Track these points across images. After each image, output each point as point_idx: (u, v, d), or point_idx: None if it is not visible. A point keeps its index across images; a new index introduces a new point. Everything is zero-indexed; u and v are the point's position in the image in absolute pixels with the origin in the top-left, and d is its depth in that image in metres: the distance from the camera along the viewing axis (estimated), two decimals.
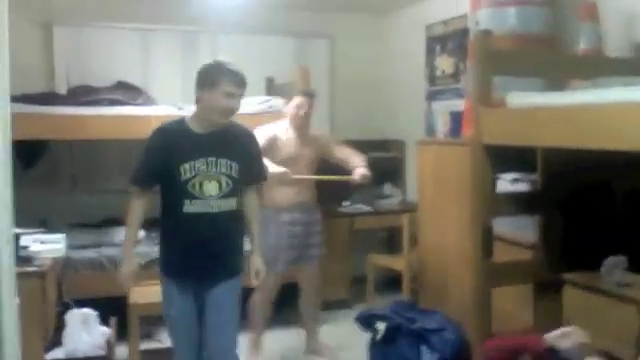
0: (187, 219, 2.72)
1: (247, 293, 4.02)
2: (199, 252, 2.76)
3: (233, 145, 2.79)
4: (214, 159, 2.72)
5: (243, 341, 3.97)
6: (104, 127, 4.27)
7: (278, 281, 3.97)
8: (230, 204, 2.77)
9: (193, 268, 2.78)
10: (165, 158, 2.71)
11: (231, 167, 2.75)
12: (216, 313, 2.81)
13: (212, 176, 2.71)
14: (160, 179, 2.77)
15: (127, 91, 4.72)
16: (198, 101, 2.78)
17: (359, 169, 3.96)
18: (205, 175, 2.70)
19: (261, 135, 3.75)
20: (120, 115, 4.35)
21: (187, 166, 2.69)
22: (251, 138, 2.97)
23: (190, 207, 2.70)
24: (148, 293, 3.77)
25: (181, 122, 2.82)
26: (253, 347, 4.04)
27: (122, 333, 3.78)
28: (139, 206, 2.85)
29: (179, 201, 2.71)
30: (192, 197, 2.69)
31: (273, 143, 3.86)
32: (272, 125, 4.00)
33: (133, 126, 4.28)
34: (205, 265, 2.78)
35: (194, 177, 2.69)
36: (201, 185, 2.69)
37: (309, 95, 4.03)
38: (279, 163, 3.80)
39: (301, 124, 3.97)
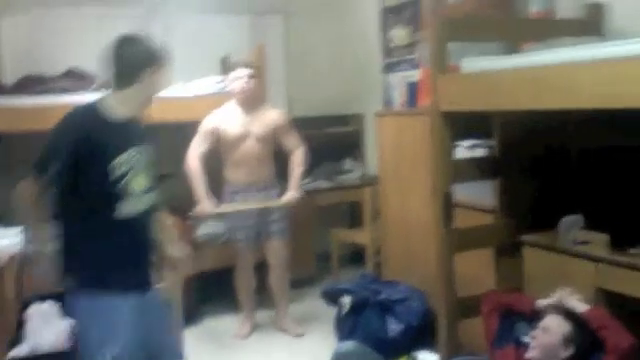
0: (122, 222, 2.28)
1: (230, 274, 4.19)
2: (139, 256, 2.41)
3: (142, 132, 2.44)
4: (139, 148, 2.34)
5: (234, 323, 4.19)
6: (55, 117, 4.14)
7: (249, 256, 4.06)
8: (152, 198, 2.41)
9: (137, 276, 2.39)
10: (87, 152, 2.20)
11: (149, 155, 2.41)
12: (159, 316, 2.50)
13: (140, 169, 2.33)
14: (74, 178, 2.22)
15: (78, 79, 4.60)
16: (132, 82, 2.32)
17: (290, 193, 4.01)
18: (136, 168, 2.31)
19: (200, 130, 3.95)
20: (72, 104, 4.18)
21: (120, 160, 2.25)
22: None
23: (125, 208, 2.28)
24: None
25: (95, 107, 2.31)
26: (243, 325, 4.16)
27: None
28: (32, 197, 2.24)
29: (110, 202, 2.25)
30: (125, 196, 2.27)
31: (215, 132, 3.93)
32: (218, 111, 4.01)
33: None
34: (145, 270, 2.43)
35: (128, 172, 2.27)
36: (132, 180, 2.29)
37: (245, 65, 3.97)
38: (228, 145, 3.92)
39: (245, 98, 3.93)
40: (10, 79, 4.68)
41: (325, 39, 5.73)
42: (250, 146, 3.93)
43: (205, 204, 3.95)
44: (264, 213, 4.01)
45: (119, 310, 2.26)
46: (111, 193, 2.24)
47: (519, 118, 2.96)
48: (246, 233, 4.02)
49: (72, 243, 2.28)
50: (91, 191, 2.24)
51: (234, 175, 3.99)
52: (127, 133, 2.31)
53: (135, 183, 2.29)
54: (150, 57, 2.36)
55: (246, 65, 3.98)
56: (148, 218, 2.40)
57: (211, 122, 3.97)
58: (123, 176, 2.25)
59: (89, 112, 2.30)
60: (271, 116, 4.02)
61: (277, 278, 4.17)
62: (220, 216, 4.14)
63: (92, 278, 2.26)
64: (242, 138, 3.92)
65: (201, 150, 3.96)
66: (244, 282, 4.14)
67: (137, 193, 2.31)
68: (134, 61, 2.32)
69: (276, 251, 4.11)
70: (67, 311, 2.80)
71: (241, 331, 4.16)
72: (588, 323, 2.34)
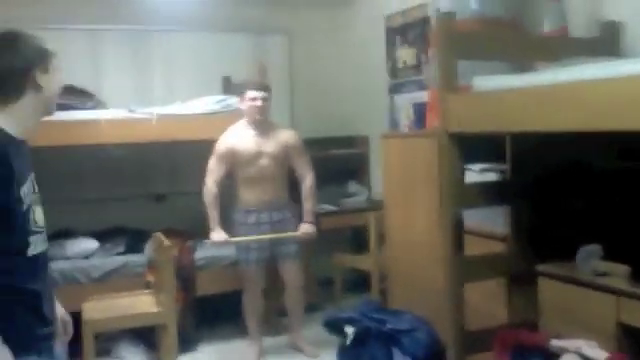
0: (35, 264, 1.79)
1: (238, 299, 4.14)
2: (49, 306, 1.88)
3: (30, 156, 1.86)
4: (32, 175, 1.83)
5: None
6: (53, 134, 4.00)
7: (258, 280, 4.04)
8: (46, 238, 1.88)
9: (50, 331, 1.88)
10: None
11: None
12: None
13: (38, 199, 1.83)
14: None
15: (76, 95, 4.49)
16: (27, 90, 1.80)
17: (304, 226, 4.03)
18: (35, 200, 1.81)
19: (216, 152, 3.96)
20: (69, 120, 4.10)
21: (25, 188, 1.74)
22: None
23: (36, 246, 1.78)
24: (102, 308, 3.57)
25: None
26: (250, 351, 4.10)
27: (76, 352, 3.54)
28: None
29: (23, 240, 1.75)
30: (34, 232, 1.78)
31: (230, 152, 3.93)
32: (230, 129, 3.99)
33: (83, 131, 4.13)
34: (50, 330, 1.88)
35: (32, 203, 1.78)
36: (34, 212, 1.79)
37: (261, 87, 3.95)
38: (242, 164, 3.91)
39: (258, 119, 3.91)
40: None
41: (330, 59, 5.64)
42: (264, 165, 3.94)
43: (218, 233, 3.97)
44: (277, 232, 4.00)
45: None
46: (23, 227, 1.75)
47: (533, 140, 2.82)
48: (258, 255, 3.98)
49: None
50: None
51: (247, 195, 3.98)
52: (25, 156, 1.81)
53: (38, 216, 1.81)
54: (38, 54, 1.83)
55: (261, 87, 3.96)
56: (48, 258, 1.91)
57: (226, 142, 3.96)
58: (29, 207, 1.76)
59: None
60: (284, 136, 4.02)
61: (293, 299, 4.16)
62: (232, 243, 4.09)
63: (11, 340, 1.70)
64: (256, 157, 3.92)
65: (219, 174, 3.98)
66: (252, 306, 4.08)
67: (42, 228, 1.83)
68: (12, 67, 1.79)
69: (291, 272, 4.09)
70: None
71: (248, 358, 4.06)
72: None
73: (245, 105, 3.93)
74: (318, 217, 4.87)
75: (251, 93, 3.90)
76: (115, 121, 4.19)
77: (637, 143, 2.30)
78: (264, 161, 3.92)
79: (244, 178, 3.96)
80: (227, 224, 4.06)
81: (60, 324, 2.02)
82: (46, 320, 1.84)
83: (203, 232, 4.59)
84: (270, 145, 3.94)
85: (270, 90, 4.01)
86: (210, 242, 4.01)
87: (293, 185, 4.12)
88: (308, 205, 4.07)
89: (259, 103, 3.88)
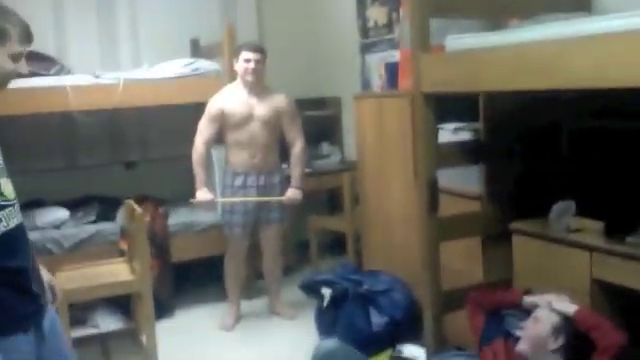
0: (10, 239, 1.72)
1: (214, 264, 4.14)
2: (36, 278, 1.85)
3: None
4: None
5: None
6: (16, 102, 3.89)
7: (243, 244, 4.03)
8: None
9: (37, 307, 1.84)
10: None
11: None
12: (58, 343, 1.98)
13: (3, 171, 1.76)
14: None
15: (39, 61, 4.35)
16: None
17: (291, 190, 4.00)
18: (1, 171, 1.75)
19: (207, 112, 3.91)
20: (33, 88, 3.97)
21: None
22: None
23: (8, 221, 1.72)
24: (76, 277, 3.52)
25: None
26: (228, 315, 4.08)
27: None
28: None
29: None
30: (2, 206, 1.71)
31: (221, 114, 3.87)
32: (223, 90, 3.96)
33: (48, 99, 4.01)
34: (33, 297, 1.82)
35: None
36: (0, 185, 1.72)
37: (256, 49, 3.89)
38: (232, 126, 3.87)
39: (250, 80, 3.86)
40: None
41: (299, 19, 5.54)
42: (254, 129, 3.89)
43: (204, 193, 3.94)
44: (264, 197, 3.98)
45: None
46: None
47: (506, 98, 2.82)
48: (243, 219, 3.95)
49: None
50: None
51: (236, 157, 3.94)
52: None
53: (5, 188, 1.74)
54: None
55: (255, 48, 3.89)
56: (26, 232, 1.85)
57: (216, 103, 3.91)
58: None
59: None
60: (277, 100, 3.97)
61: (271, 263, 4.16)
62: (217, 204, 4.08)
63: None
64: (247, 120, 3.87)
65: (209, 134, 3.92)
66: (234, 270, 4.07)
67: (11, 201, 1.76)
68: None
69: (269, 241, 4.09)
70: None
71: (226, 321, 4.06)
72: (578, 325, 2.25)
73: (238, 66, 3.86)
74: (289, 179, 4.87)
75: (245, 54, 3.83)
76: (81, 87, 4.08)
77: (610, 101, 2.31)
78: (255, 124, 3.87)
79: (234, 140, 3.92)
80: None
81: (48, 291, 1.97)
82: (33, 295, 1.80)
83: (176, 198, 4.56)
84: (262, 109, 3.88)
85: (265, 53, 3.93)
86: (195, 201, 3.96)
87: (283, 150, 4.09)
88: (297, 170, 4.03)
89: (252, 65, 3.81)
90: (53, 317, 1.95)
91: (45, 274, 1.98)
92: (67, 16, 4.81)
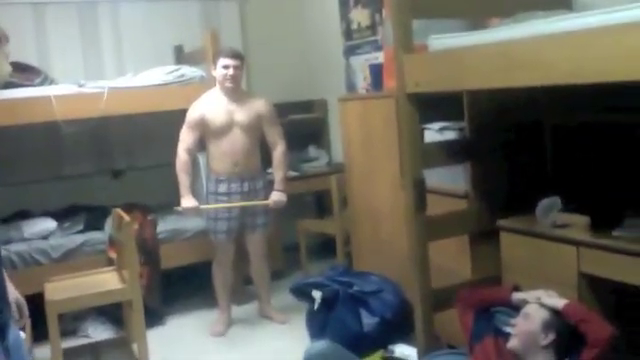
0: None
1: (204, 271, 4.15)
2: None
3: None
4: None
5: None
6: (1, 113, 3.88)
7: (228, 250, 4.04)
8: None
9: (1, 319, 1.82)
10: None
11: None
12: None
13: None
14: None
15: (22, 72, 4.33)
16: None
17: (275, 194, 3.99)
18: None
19: (187, 120, 3.90)
20: (17, 98, 3.95)
21: None
22: None
23: None
24: (65, 288, 3.50)
25: None
26: (219, 321, 4.09)
27: (43, 332, 3.48)
28: None
29: None
30: None
31: (201, 121, 3.87)
32: (202, 97, 3.95)
33: (33, 109, 3.97)
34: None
35: None
36: None
37: (234, 55, 3.88)
38: (213, 133, 3.86)
39: (229, 87, 3.85)
40: None
41: (282, 23, 5.56)
42: (236, 135, 3.88)
43: (189, 200, 3.92)
44: (249, 207, 3.98)
45: None
46: None
47: (490, 97, 2.83)
48: (228, 225, 3.95)
49: None
50: None
51: (219, 164, 3.93)
52: None
53: None
54: None
55: (233, 55, 3.87)
56: None
57: (197, 111, 3.89)
58: None
59: None
60: (256, 105, 3.95)
61: (258, 268, 4.17)
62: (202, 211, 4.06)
63: None
64: (228, 127, 3.86)
65: (191, 141, 3.91)
66: (222, 276, 4.07)
67: None
68: None
69: (255, 245, 4.10)
70: None
71: (216, 328, 4.06)
72: (567, 318, 2.26)
73: (217, 73, 3.86)
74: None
75: (223, 61, 3.82)
76: (65, 97, 4.05)
77: (592, 97, 2.33)
78: (236, 131, 3.86)
79: (215, 147, 3.91)
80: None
81: (15, 308, 1.96)
82: None
83: (164, 206, 4.54)
84: (242, 115, 3.87)
85: (243, 59, 3.94)
86: (180, 208, 3.95)
87: (265, 154, 4.08)
88: (279, 174, 4.02)
89: (231, 72, 3.80)
90: (17, 335, 1.92)
91: (12, 292, 1.96)
92: (48, 26, 4.79)
